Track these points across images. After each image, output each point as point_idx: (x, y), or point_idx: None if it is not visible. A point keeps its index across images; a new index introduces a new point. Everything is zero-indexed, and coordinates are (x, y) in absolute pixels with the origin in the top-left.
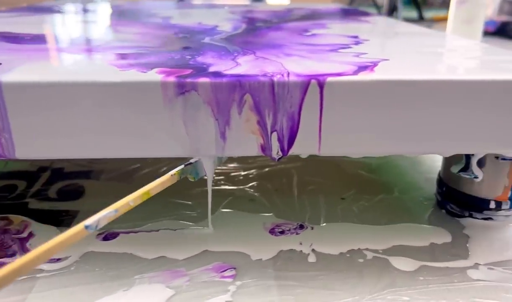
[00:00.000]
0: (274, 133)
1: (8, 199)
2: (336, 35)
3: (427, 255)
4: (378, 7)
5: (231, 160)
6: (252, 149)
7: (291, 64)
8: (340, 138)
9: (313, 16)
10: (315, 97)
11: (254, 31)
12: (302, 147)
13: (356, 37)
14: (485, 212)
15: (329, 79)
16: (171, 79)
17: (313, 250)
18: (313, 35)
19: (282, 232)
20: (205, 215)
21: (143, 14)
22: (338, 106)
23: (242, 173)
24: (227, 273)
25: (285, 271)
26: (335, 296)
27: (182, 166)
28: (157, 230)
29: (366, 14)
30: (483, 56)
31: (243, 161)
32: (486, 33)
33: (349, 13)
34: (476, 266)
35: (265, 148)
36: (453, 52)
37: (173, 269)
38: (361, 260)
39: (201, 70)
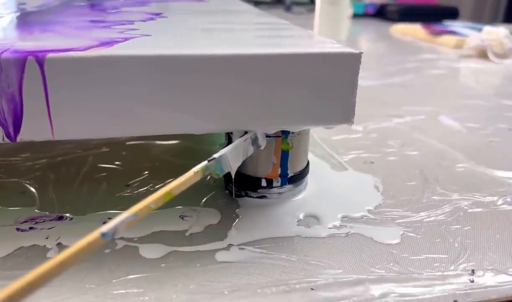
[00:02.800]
0: None
1: None
2: (138, 12)
3: (181, 240)
4: None
5: (22, 149)
6: None
7: (26, 40)
8: (77, 120)
9: None
10: (37, 76)
11: (59, 8)
12: (32, 133)
13: (159, 14)
14: (259, 190)
15: (50, 55)
16: None
17: (58, 244)
18: (117, 12)
19: (31, 228)
20: None
21: None
22: (66, 85)
23: (28, 163)
24: None
25: (15, 268)
26: (57, 292)
27: (206, 162)
28: None
29: None
30: (269, 33)
31: (37, 150)
32: (367, 15)
33: None
34: (228, 247)
35: None
36: (239, 31)
37: None
38: (107, 251)
39: None
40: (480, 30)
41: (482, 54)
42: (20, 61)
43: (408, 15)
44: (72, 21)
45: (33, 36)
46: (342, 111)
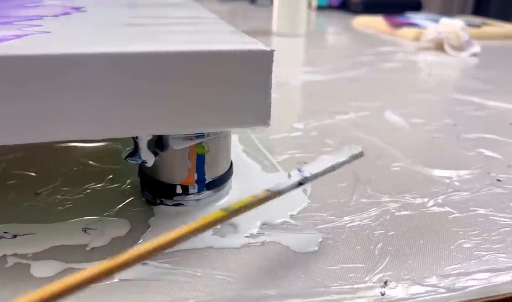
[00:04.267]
0: None
1: None
2: (57, 6)
3: (80, 256)
4: None
5: None
6: None
7: None
8: None
9: None
10: None
11: None
12: None
13: (79, 8)
14: (175, 198)
15: None
16: None
17: None
18: (36, 6)
19: None
20: None
21: None
22: None
23: None
24: None
25: None
26: None
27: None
28: None
29: None
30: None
31: None
32: (331, 7)
33: None
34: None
35: None
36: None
37: None
38: None
39: None
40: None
41: (440, 46)
42: None
43: (371, 7)
44: None
45: None
46: (257, 112)
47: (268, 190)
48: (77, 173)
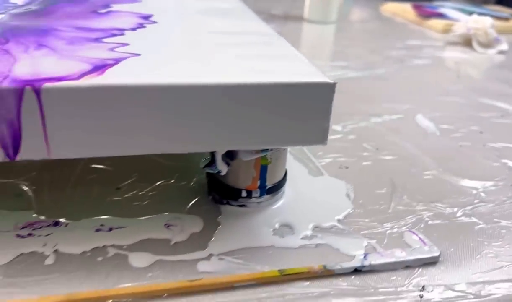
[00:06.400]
0: None
1: None
2: (128, 14)
3: (169, 248)
4: None
5: None
6: None
7: (24, 63)
8: (72, 141)
9: None
10: (34, 103)
11: (48, 6)
12: (30, 152)
13: (148, 17)
14: (239, 200)
15: (46, 85)
16: None
17: (55, 251)
18: (107, 13)
19: (30, 235)
20: None
21: None
22: (62, 110)
23: (23, 163)
24: None
25: (16, 276)
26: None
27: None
28: None
29: None
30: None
31: None
32: None
33: None
34: (209, 257)
35: None
36: (222, 46)
37: None
38: (100, 259)
39: None
40: (470, 13)
41: (468, 42)
42: (18, 91)
43: None
44: (62, 29)
45: (29, 54)
46: (316, 134)
47: (324, 267)
48: (150, 169)
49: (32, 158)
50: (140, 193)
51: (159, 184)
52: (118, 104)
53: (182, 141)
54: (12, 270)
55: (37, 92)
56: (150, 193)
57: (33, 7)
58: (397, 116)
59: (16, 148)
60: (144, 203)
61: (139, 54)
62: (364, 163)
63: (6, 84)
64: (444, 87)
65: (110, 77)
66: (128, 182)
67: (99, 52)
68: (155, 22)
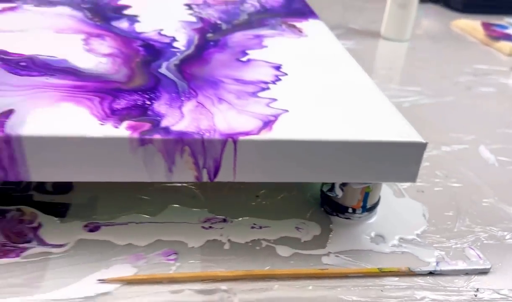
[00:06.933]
0: (204, 170)
1: (16, 192)
2: (264, 65)
3: (300, 245)
4: None
5: None
6: (190, 178)
7: (219, 117)
8: (250, 170)
9: (258, 18)
10: (231, 148)
11: (202, 51)
12: (223, 177)
13: (279, 67)
14: (346, 214)
15: (240, 138)
16: (135, 135)
17: (229, 240)
18: (248, 61)
19: (210, 227)
20: (159, 209)
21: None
22: (248, 152)
23: None
24: (171, 257)
25: (208, 255)
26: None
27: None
28: (126, 223)
29: (306, 12)
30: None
31: None
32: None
33: (292, 10)
34: (328, 253)
35: (198, 178)
36: (334, 104)
37: (137, 253)
38: (258, 248)
39: (156, 123)
40: None
41: None
42: (223, 141)
43: (472, 6)
44: (226, 82)
45: (217, 108)
46: (409, 175)
47: (408, 268)
48: (275, 183)
49: (224, 180)
50: (273, 201)
51: (283, 195)
52: (282, 149)
53: (319, 174)
54: (205, 252)
55: (235, 142)
56: (279, 202)
57: (189, 51)
58: (463, 146)
59: (215, 174)
60: (278, 208)
61: (287, 111)
62: (436, 188)
63: (217, 136)
64: (505, 118)
65: (277, 133)
66: (262, 191)
67: (261, 108)
68: (285, 74)
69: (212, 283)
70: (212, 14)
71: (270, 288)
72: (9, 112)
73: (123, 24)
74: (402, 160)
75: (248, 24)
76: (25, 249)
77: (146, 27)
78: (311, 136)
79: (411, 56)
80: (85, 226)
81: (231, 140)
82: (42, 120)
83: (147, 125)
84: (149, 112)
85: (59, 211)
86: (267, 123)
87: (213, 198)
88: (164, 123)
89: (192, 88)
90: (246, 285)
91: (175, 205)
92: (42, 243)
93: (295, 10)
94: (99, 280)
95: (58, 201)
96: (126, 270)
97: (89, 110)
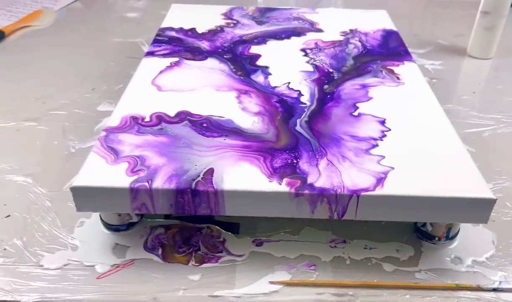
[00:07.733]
0: (335, 212)
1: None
2: (371, 120)
3: (399, 262)
4: None
5: None
6: (325, 217)
7: (345, 175)
8: (367, 212)
9: (362, 61)
10: (355, 200)
11: (323, 106)
12: (348, 217)
13: (383, 122)
14: (433, 240)
15: (362, 194)
16: (292, 191)
17: (349, 257)
18: (359, 115)
19: (335, 246)
20: (298, 230)
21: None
22: (366, 201)
23: None
24: (312, 268)
25: (336, 268)
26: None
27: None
28: (279, 240)
29: (401, 52)
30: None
31: None
32: None
33: (389, 51)
34: (420, 270)
35: (330, 217)
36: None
37: (289, 263)
38: (369, 264)
39: (304, 180)
40: None
41: None
42: (349, 197)
43: None
44: (345, 138)
45: (342, 166)
46: (482, 218)
47: (478, 285)
48: None
49: (346, 218)
50: (377, 227)
51: (384, 223)
52: (390, 201)
53: (415, 216)
54: (333, 265)
55: (358, 196)
56: (383, 228)
57: (313, 107)
58: None
59: (343, 215)
60: (382, 234)
61: (393, 168)
62: (505, 218)
63: (346, 192)
64: None
65: (387, 189)
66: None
67: (373, 166)
68: (389, 129)
69: (343, 288)
70: (324, 60)
71: (380, 294)
72: (212, 171)
73: (259, 78)
74: (476, 208)
75: (355, 70)
76: (220, 257)
77: (277, 80)
78: (410, 193)
79: (494, 77)
80: (253, 241)
81: (355, 195)
82: (233, 177)
83: (298, 182)
84: (298, 170)
85: (234, 228)
86: (380, 180)
87: (334, 223)
88: (309, 180)
89: (322, 147)
90: (365, 291)
91: (308, 227)
92: (229, 253)
93: (392, 51)
94: (270, 282)
95: (232, 220)
96: (284, 275)
97: (259, 169)
